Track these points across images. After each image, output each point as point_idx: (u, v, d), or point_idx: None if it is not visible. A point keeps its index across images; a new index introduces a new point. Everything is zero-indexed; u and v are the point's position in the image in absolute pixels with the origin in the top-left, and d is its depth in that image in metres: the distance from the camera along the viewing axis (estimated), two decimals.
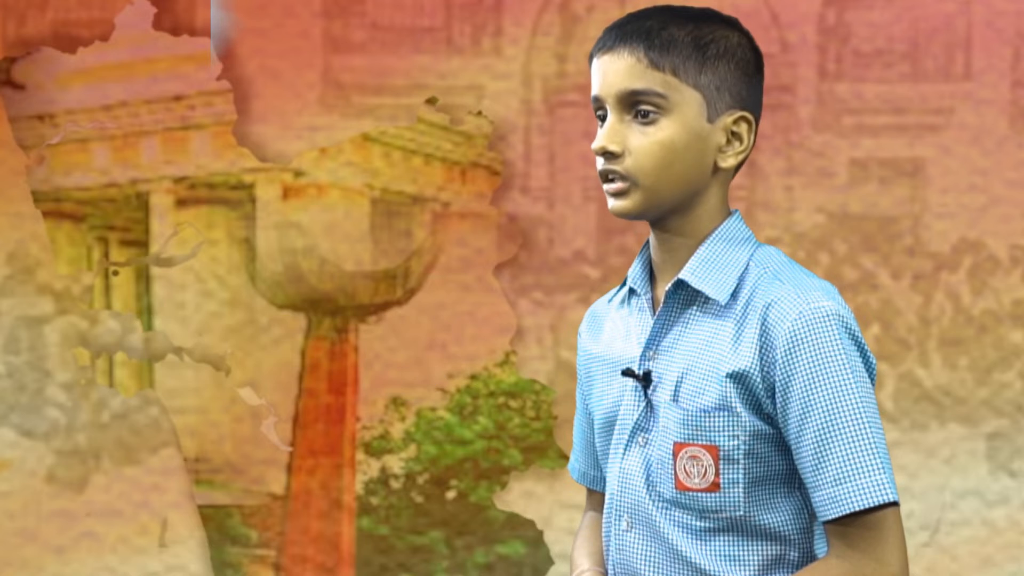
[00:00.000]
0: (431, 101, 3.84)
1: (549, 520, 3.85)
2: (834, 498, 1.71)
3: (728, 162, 1.82)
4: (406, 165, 3.88)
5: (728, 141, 1.82)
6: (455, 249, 3.87)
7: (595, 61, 1.83)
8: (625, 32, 1.80)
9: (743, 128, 1.82)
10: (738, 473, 1.77)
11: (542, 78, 3.83)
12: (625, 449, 1.86)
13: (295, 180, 3.87)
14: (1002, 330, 3.76)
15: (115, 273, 3.89)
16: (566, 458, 3.75)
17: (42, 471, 3.88)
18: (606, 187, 1.82)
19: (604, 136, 1.80)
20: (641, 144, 1.78)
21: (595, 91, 1.82)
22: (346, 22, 3.85)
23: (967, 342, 3.77)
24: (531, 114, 3.84)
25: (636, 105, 1.79)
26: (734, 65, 1.81)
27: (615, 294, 1.98)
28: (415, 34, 3.85)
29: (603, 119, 1.82)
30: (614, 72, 1.80)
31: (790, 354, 1.72)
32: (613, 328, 1.94)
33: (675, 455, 1.79)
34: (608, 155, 1.80)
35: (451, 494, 3.90)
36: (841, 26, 3.79)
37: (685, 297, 1.83)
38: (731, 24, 1.84)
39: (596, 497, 2.07)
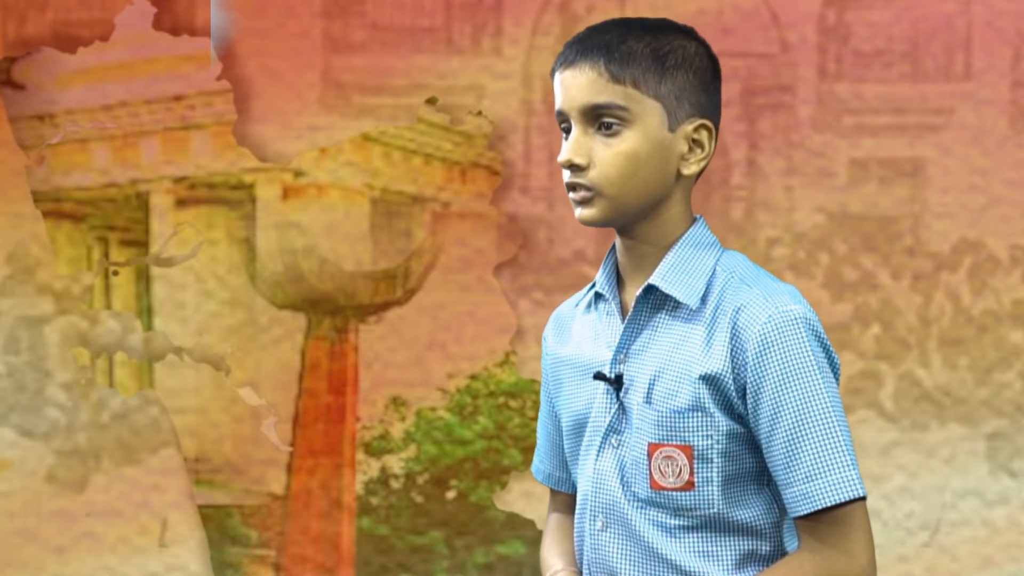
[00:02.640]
0: (431, 101, 3.84)
1: None
2: (805, 495, 1.76)
3: (691, 169, 1.86)
4: (406, 165, 3.88)
5: (690, 149, 1.86)
6: (455, 249, 3.87)
7: (557, 76, 1.87)
8: (585, 47, 1.83)
9: (704, 135, 1.86)
10: (712, 472, 1.80)
11: (542, 78, 3.83)
12: (598, 451, 1.89)
13: (295, 180, 3.87)
14: (1002, 330, 3.75)
15: (115, 273, 3.90)
16: None
17: (42, 471, 3.90)
18: (571, 195, 1.85)
19: (570, 149, 1.83)
20: (605, 156, 1.82)
21: (559, 105, 1.86)
22: (346, 22, 3.86)
23: (967, 342, 3.76)
24: (531, 114, 3.84)
25: (599, 118, 1.82)
26: (692, 74, 1.85)
27: (581, 298, 2.01)
28: (415, 34, 3.85)
29: (568, 131, 1.86)
30: (576, 87, 1.83)
31: (761, 357, 1.77)
32: (581, 332, 1.97)
33: (650, 455, 1.82)
34: (574, 168, 1.83)
35: (451, 494, 3.90)
36: (841, 26, 3.78)
37: (655, 301, 1.86)
38: (688, 33, 1.88)
39: (560, 498, 2.10)
